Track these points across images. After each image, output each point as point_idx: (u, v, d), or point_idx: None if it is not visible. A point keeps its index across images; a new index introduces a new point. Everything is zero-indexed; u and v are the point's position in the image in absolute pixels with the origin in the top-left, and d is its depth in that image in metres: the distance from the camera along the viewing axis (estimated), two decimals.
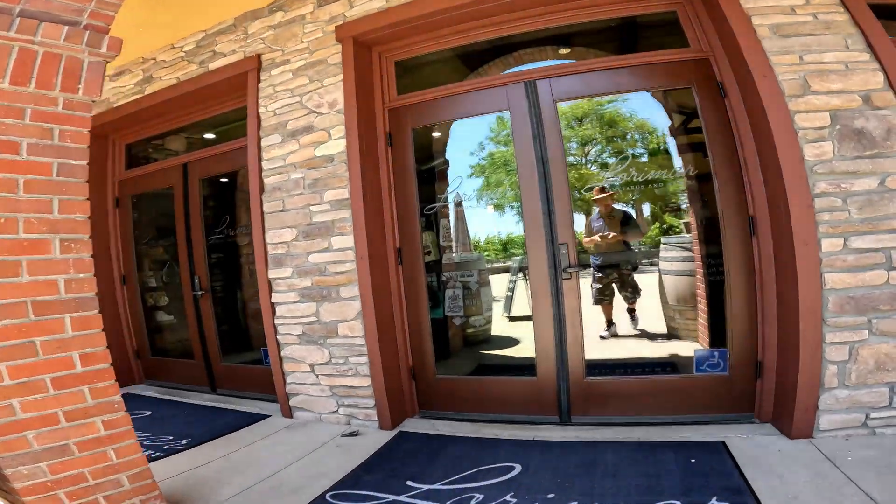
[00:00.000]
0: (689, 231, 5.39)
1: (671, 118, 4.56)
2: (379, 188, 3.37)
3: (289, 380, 3.59)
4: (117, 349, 4.31)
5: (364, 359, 3.25)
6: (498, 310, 6.87)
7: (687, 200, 4.73)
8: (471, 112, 3.41)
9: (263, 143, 3.62)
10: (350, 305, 3.26)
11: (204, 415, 3.87)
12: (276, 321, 3.58)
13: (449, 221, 5.82)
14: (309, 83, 3.47)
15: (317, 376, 3.46)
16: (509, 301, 6.67)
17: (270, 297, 3.57)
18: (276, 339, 3.59)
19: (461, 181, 4.35)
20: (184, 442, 3.21)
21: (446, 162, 5.12)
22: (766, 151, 2.59)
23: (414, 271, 3.38)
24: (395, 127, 3.47)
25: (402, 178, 3.41)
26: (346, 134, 3.26)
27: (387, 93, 3.51)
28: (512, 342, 5.58)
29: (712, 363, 2.90)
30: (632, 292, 4.39)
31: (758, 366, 2.77)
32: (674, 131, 4.69)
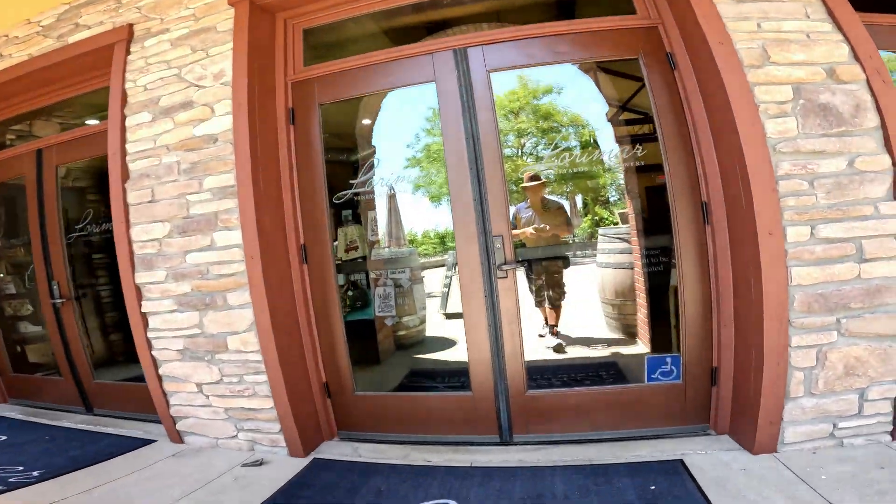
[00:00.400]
0: (625, 222, 5.14)
1: (608, 104, 4.24)
2: (277, 174, 2.74)
3: (172, 401, 2.90)
4: None
5: (262, 377, 2.63)
6: (433, 306, 6.39)
7: (625, 190, 4.47)
8: (391, 84, 2.86)
9: (129, 122, 2.88)
10: (240, 314, 2.61)
11: (72, 440, 3.15)
12: (150, 334, 2.86)
13: (376, 214, 5.26)
14: (191, 53, 2.78)
15: (207, 397, 2.80)
16: (445, 297, 6.21)
17: (140, 305, 2.85)
18: (152, 356, 2.88)
19: (375, 166, 3.74)
20: (36, 474, 2.59)
21: (373, 150, 4.56)
22: (723, 128, 2.25)
23: (323, 271, 2.78)
24: (300, 102, 2.85)
25: (308, 161, 2.80)
26: (234, 109, 2.60)
27: (291, 64, 2.89)
28: (448, 344, 5.10)
29: (665, 371, 2.56)
30: (557, 294, 4.00)
31: (713, 372, 2.45)
32: (611, 118, 4.37)
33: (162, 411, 2.94)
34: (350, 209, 5.03)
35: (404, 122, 4.64)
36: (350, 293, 5.46)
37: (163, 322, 2.81)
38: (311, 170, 2.79)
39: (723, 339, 2.39)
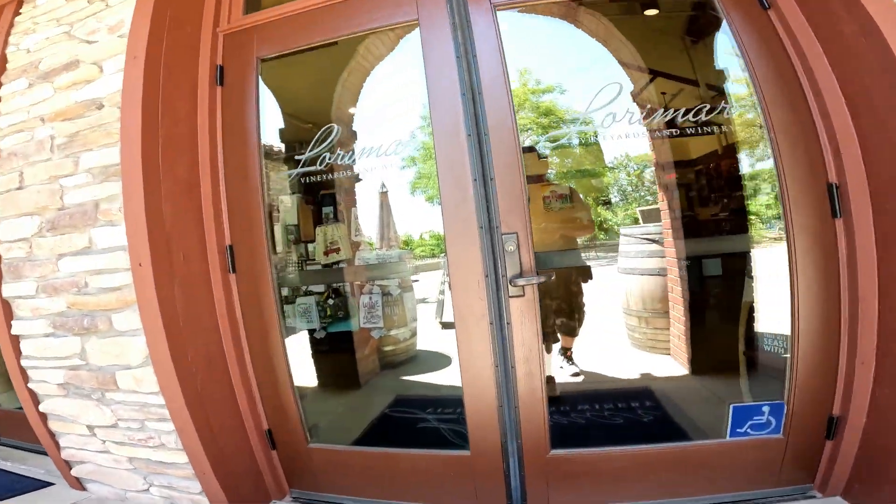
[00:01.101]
0: (650, 220, 4.29)
1: (633, 82, 3.36)
2: (192, 149, 1.89)
3: (63, 442, 2.08)
4: None
5: (169, 425, 1.78)
6: (426, 313, 5.54)
7: (657, 182, 3.62)
8: (357, 27, 2.01)
9: (3, 91, 2.04)
10: (131, 343, 1.76)
11: None
12: (24, 362, 2.01)
13: (355, 211, 4.42)
14: (87, 6, 1.94)
15: (103, 442, 1.98)
16: (441, 305, 5.36)
17: (9, 326, 2.00)
18: (29, 389, 2.04)
19: (332, 136, 2.89)
20: None
21: (353, 135, 3.72)
22: (862, 77, 1.40)
23: (258, 283, 1.92)
24: (233, 57, 2.00)
25: (239, 136, 1.95)
26: (127, 61, 1.75)
27: (226, 14, 2.04)
28: (442, 361, 4.24)
29: (759, 423, 1.72)
30: (577, 318, 3.04)
31: (832, 422, 1.61)
32: (636, 96, 3.48)
33: (53, 454, 2.13)
34: (331, 206, 4.20)
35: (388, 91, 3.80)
36: (331, 301, 4.53)
37: (37, 349, 1.96)
38: (244, 147, 1.93)
39: (857, 379, 1.54)
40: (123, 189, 1.65)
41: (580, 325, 2.94)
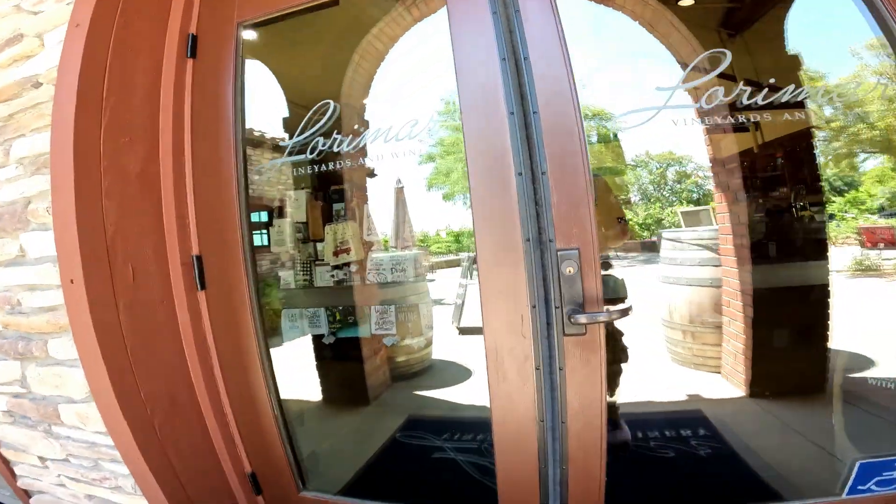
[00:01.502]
0: (697, 223, 3.82)
1: (683, 65, 2.84)
2: (149, 137, 1.46)
3: (18, 471, 1.71)
4: None
5: (125, 468, 1.39)
6: (443, 316, 5.13)
7: (713, 181, 3.12)
8: None
9: None
10: (70, 374, 1.36)
11: None
12: None
13: (367, 208, 3.99)
14: None
15: (58, 475, 1.59)
16: (459, 309, 4.92)
17: None
18: None
19: (329, 116, 2.41)
20: None
21: (364, 123, 3.30)
22: None
23: (233, 299, 1.50)
24: (209, 24, 1.58)
25: (213, 120, 1.52)
26: (68, 32, 1.33)
27: None
28: (461, 374, 3.83)
29: (889, 478, 1.26)
30: (620, 357, 2.15)
31: None
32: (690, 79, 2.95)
33: (9, 482, 1.76)
34: (342, 202, 3.79)
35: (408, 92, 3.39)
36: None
37: None
38: (217, 135, 1.51)
39: None
40: (52, 182, 1.24)
41: (621, 374, 2.14)
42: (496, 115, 1.22)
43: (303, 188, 3.66)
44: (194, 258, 1.45)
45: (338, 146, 1.55)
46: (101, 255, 1.24)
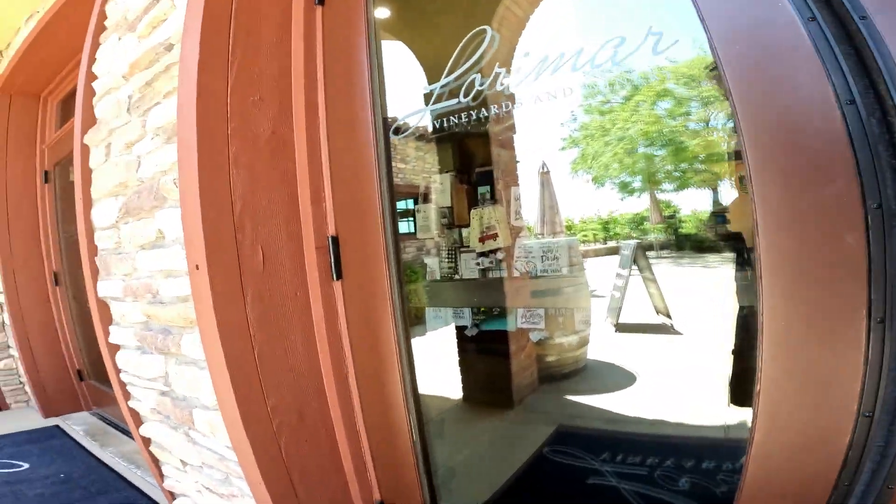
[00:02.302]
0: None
1: None
2: (279, 94, 1.22)
3: (165, 471, 1.69)
4: (53, 366, 3.08)
5: (245, 485, 1.21)
6: (597, 310, 4.52)
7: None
8: None
9: (100, 52, 1.65)
10: (202, 378, 1.20)
11: (91, 482, 2.10)
12: (123, 377, 1.64)
13: (515, 191, 3.58)
14: None
15: (195, 483, 1.52)
16: (618, 303, 4.28)
17: (107, 333, 1.63)
18: (130, 407, 1.67)
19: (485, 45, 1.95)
20: None
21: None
22: None
23: (373, 292, 1.21)
24: None
25: (345, 76, 1.24)
26: None
27: None
28: (622, 378, 3.24)
29: None
30: None
31: None
32: None
33: (157, 481, 1.77)
34: (487, 185, 3.45)
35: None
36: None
37: (130, 362, 1.55)
38: (353, 89, 1.22)
39: None
40: (178, 148, 1.06)
41: None
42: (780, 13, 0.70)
43: (447, 172, 3.39)
44: (330, 240, 1.18)
45: (499, 83, 1.14)
46: (228, 235, 1.03)
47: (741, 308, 1.58)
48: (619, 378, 3.16)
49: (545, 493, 1.84)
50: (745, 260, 1.61)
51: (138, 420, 1.65)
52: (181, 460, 1.51)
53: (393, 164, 1.23)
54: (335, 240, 1.19)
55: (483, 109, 1.21)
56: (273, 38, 1.19)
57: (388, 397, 1.26)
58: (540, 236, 4.68)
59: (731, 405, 1.79)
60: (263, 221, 1.10)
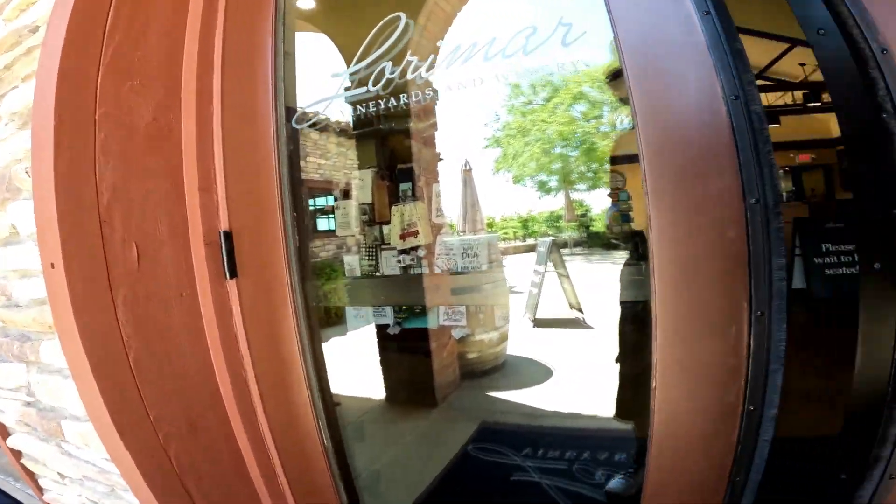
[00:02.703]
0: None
1: None
2: (167, 79, 1.09)
3: (43, 484, 1.47)
4: None
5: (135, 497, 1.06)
6: (515, 307, 4.63)
7: None
8: None
9: None
10: (67, 388, 1.04)
11: None
12: None
13: (436, 188, 3.55)
14: None
15: (79, 496, 1.33)
16: (535, 299, 4.43)
17: None
18: None
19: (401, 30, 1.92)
20: None
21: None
22: None
23: (274, 293, 1.12)
24: None
25: (247, 61, 1.13)
26: None
27: None
28: (540, 373, 3.35)
29: None
30: None
31: None
32: None
33: (37, 494, 1.53)
34: (409, 182, 3.39)
35: None
36: None
37: None
38: (255, 74, 1.11)
39: None
40: (32, 136, 0.90)
41: None
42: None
43: (368, 168, 3.28)
44: (222, 235, 1.07)
45: (412, 72, 1.10)
46: (92, 229, 0.89)
47: (622, 304, 1.64)
48: (537, 373, 3.26)
49: (471, 492, 1.83)
50: (639, 255, 1.67)
51: (5, 432, 1.42)
52: (59, 473, 1.33)
53: (313, 159, 1.14)
54: (228, 235, 1.08)
55: (392, 99, 1.16)
56: (166, 23, 1.05)
57: (294, 400, 1.17)
58: (462, 233, 4.71)
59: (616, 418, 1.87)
60: (138, 215, 0.97)
